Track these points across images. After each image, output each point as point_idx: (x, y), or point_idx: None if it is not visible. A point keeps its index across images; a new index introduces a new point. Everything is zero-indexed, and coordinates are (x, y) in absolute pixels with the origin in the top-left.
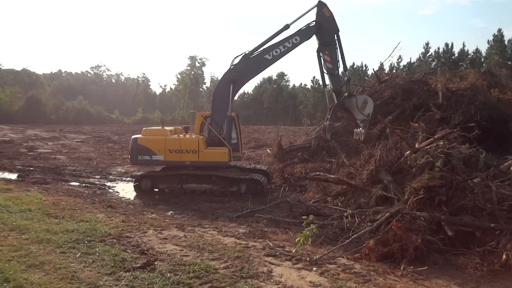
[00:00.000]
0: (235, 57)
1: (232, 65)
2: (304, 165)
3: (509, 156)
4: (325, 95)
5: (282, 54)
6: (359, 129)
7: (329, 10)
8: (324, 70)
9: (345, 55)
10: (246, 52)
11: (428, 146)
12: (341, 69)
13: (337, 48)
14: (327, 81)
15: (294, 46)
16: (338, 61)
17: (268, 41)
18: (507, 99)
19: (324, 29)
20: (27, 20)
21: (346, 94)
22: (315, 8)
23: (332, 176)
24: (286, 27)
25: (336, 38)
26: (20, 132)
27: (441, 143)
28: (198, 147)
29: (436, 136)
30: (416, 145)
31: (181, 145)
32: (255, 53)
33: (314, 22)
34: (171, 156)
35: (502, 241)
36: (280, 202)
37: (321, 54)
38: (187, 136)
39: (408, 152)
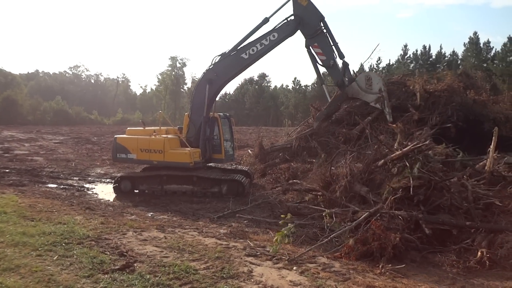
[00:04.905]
0: (215, 56)
1: (211, 65)
2: (288, 165)
3: (484, 156)
4: (324, 92)
5: (260, 53)
6: (385, 110)
7: None
8: (319, 64)
9: (337, 41)
10: (226, 51)
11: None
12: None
13: (326, 36)
14: (321, 72)
15: (273, 43)
16: (332, 50)
17: (247, 38)
18: (482, 100)
19: (306, 21)
20: (2, 20)
21: (347, 81)
22: (291, 0)
23: (309, 185)
24: (265, 20)
25: (322, 25)
26: None
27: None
28: (164, 147)
29: (409, 147)
30: (395, 145)
31: (150, 145)
32: (233, 52)
33: (292, 16)
34: (142, 155)
35: (477, 239)
36: (261, 203)
37: (311, 48)
38: (157, 136)
39: (381, 162)
